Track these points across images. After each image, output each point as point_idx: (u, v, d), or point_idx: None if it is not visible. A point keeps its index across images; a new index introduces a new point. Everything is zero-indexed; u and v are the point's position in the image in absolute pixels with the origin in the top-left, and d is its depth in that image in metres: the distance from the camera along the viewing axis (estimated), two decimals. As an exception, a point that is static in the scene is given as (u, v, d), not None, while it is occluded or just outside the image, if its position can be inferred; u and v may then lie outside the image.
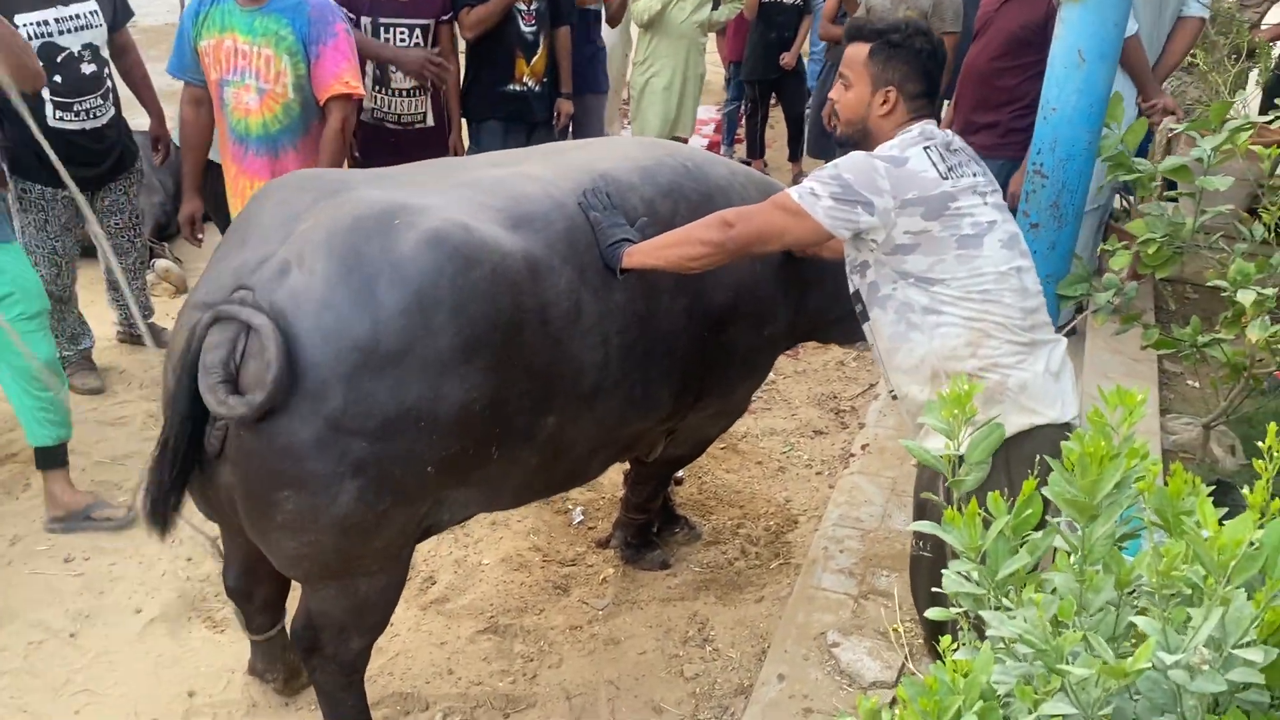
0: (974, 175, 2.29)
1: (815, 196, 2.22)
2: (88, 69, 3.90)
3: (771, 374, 4.90)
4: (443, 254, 2.09)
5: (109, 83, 4.04)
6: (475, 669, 3.04)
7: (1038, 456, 1.99)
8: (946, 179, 2.22)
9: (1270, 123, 3.36)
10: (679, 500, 3.85)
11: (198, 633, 3.15)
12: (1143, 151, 3.22)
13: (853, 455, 4.10)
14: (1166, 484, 1.10)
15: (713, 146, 7.96)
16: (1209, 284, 3.06)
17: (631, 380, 2.52)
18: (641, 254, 2.38)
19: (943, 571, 2.31)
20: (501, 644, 3.14)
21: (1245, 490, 1.07)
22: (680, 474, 4.01)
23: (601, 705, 2.93)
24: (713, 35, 8.62)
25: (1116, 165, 3.11)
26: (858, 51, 2.38)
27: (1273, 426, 1.14)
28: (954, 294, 2.22)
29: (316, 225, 2.10)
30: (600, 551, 3.58)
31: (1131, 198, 4.57)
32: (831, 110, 2.46)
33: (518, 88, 4.86)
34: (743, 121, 7.90)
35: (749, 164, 7.35)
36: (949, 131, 2.37)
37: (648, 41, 6.39)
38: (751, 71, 7.26)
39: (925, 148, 2.25)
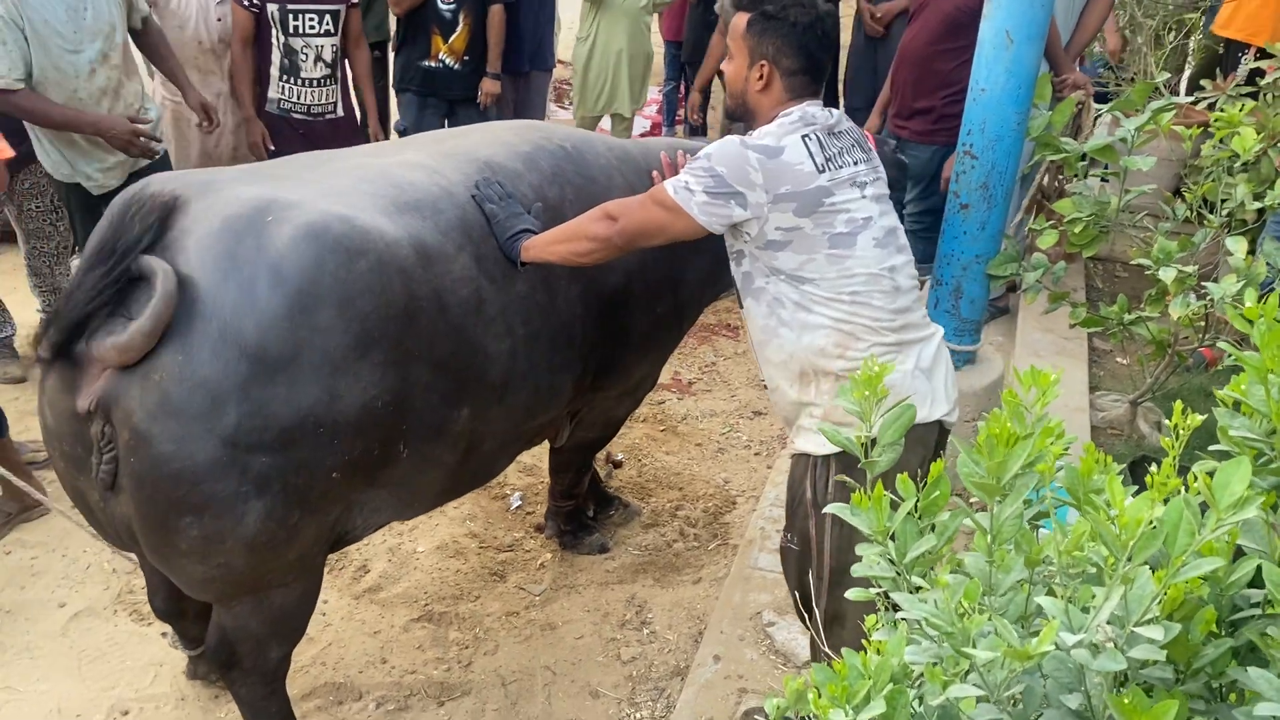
0: (855, 164, 2.20)
1: (690, 191, 2.12)
2: None
3: (711, 355, 4.91)
4: (323, 247, 1.98)
5: None
6: (409, 657, 3.01)
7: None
8: (823, 171, 2.12)
9: (1194, 104, 3.42)
10: (619, 483, 3.84)
11: (124, 626, 3.07)
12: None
13: (790, 436, 4.12)
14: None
15: (654, 127, 7.93)
16: (1134, 262, 3.11)
17: (538, 371, 2.49)
18: (536, 248, 2.32)
19: (807, 569, 2.33)
20: (436, 632, 3.11)
21: (1152, 468, 1.07)
22: (619, 457, 4.00)
23: (538, 691, 2.91)
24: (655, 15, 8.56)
25: (1045, 145, 3.14)
26: (738, 21, 2.25)
27: (1179, 405, 1.15)
28: (823, 294, 2.16)
29: (184, 231, 1.98)
30: (538, 537, 3.56)
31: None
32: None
33: (433, 64, 4.87)
34: (683, 102, 7.87)
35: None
36: (833, 112, 2.25)
37: (591, 17, 6.28)
38: (693, 52, 7.22)
39: (804, 136, 2.14)
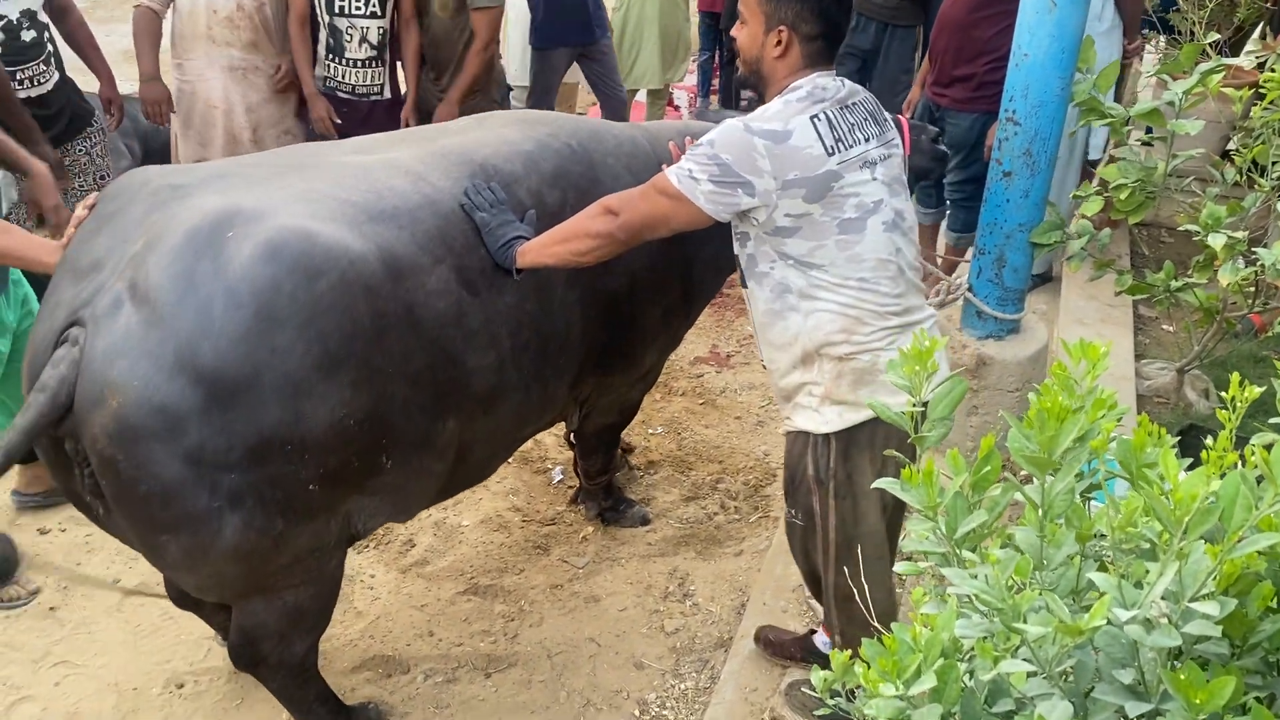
0: (866, 140, 2.13)
1: (694, 180, 2.06)
2: (27, 35, 3.80)
3: (749, 328, 4.89)
4: (280, 267, 1.92)
5: (50, 47, 3.94)
6: (456, 630, 3.05)
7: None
8: (833, 154, 2.05)
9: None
10: (659, 456, 3.86)
11: (177, 601, 3.14)
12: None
13: (831, 407, 4.10)
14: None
15: (690, 99, 7.88)
16: (1181, 228, 3.05)
17: (529, 381, 2.43)
18: (533, 253, 2.26)
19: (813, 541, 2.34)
20: (482, 605, 3.15)
21: (1209, 440, 1.06)
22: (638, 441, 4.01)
23: (583, 662, 2.94)
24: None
25: (1089, 110, 3.09)
26: None
27: (1236, 376, 1.13)
28: (831, 280, 2.11)
29: (148, 245, 1.95)
30: (579, 510, 3.58)
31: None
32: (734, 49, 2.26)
33: None
34: (718, 72, 7.81)
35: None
36: (845, 83, 2.18)
37: None
38: (731, 20, 7.13)
39: (813, 116, 2.06)
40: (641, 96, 6.47)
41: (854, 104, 2.15)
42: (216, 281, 1.89)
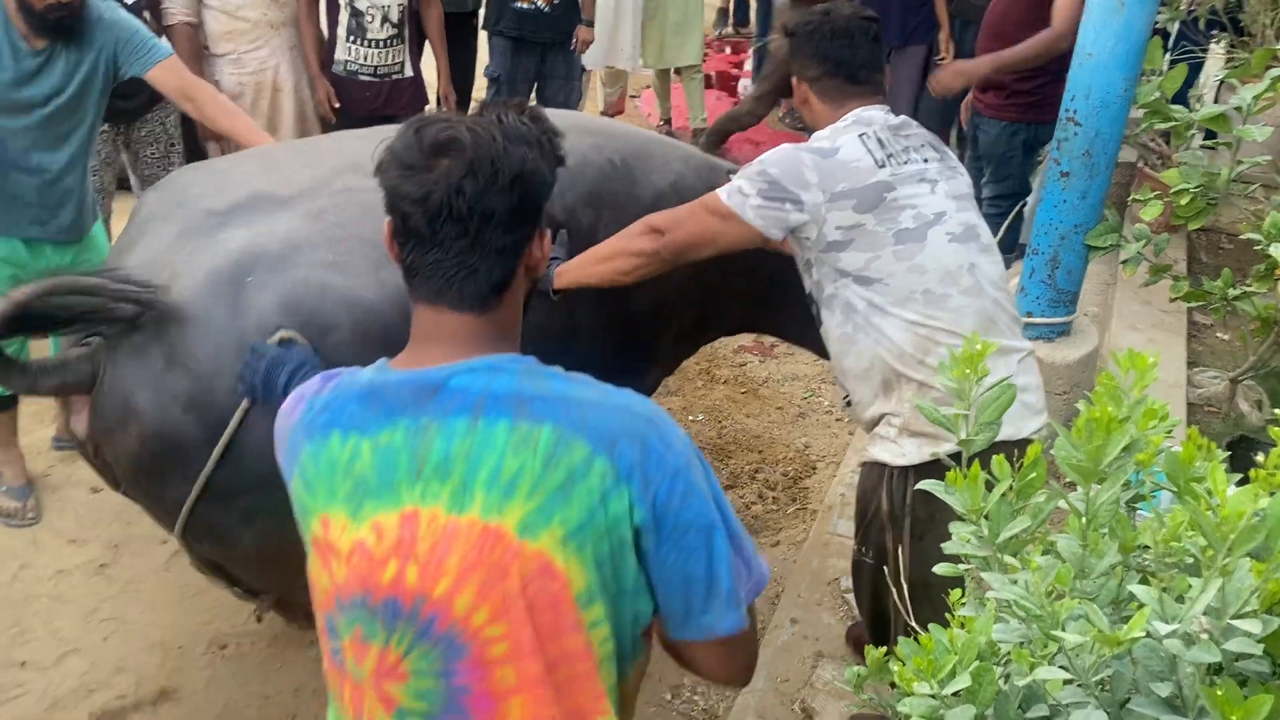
0: (924, 161, 2.12)
1: (744, 195, 2.06)
2: None
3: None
4: (294, 321, 1.97)
5: (146, 14, 4.02)
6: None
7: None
8: (884, 167, 2.06)
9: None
10: (700, 442, 3.87)
11: (223, 564, 3.21)
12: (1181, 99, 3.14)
13: (874, 402, 4.09)
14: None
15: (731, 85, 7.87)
16: (1243, 236, 2.99)
17: None
18: (571, 273, 2.19)
19: (885, 578, 2.22)
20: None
21: (1260, 457, 1.05)
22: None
23: (616, 644, 2.97)
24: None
25: (1153, 113, 3.03)
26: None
27: (1289, 392, 1.12)
28: (895, 294, 2.07)
29: (173, 278, 2.01)
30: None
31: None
32: None
33: (526, 6, 4.83)
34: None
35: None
36: (896, 115, 2.20)
37: None
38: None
39: (861, 135, 2.10)
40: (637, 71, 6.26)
41: (908, 132, 2.17)
42: (232, 328, 1.97)
